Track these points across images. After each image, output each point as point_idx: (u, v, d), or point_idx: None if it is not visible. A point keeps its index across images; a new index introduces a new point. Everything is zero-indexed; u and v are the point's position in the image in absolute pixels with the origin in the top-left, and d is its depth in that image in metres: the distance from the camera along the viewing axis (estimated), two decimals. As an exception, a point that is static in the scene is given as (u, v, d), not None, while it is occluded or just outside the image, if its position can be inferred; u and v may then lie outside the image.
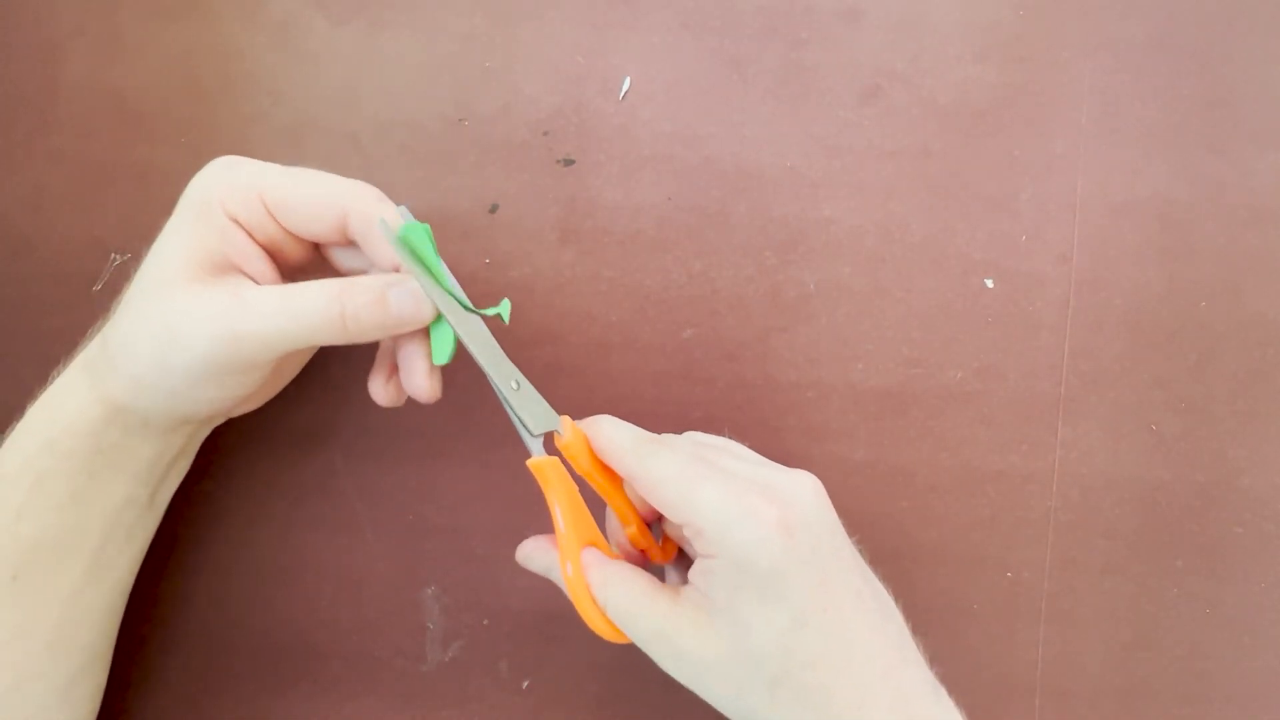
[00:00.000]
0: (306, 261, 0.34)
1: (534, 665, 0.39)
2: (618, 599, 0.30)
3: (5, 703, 0.31)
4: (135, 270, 0.31)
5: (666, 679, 0.39)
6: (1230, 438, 0.40)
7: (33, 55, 0.40)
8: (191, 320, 0.29)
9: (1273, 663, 0.40)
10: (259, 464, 0.39)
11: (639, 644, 0.30)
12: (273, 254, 0.32)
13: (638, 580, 0.30)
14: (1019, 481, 0.40)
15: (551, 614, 0.39)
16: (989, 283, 0.40)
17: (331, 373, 0.39)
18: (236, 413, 0.36)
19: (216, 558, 0.39)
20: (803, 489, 0.30)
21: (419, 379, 0.32)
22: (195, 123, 0.40)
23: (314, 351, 0.38)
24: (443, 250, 0.32)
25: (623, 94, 0.40)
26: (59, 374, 0.33)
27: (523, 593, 0.39)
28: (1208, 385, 0.40)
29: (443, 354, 0.32)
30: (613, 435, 0.31)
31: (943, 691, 0.31)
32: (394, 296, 0.30)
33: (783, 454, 0.40)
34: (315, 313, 0.29)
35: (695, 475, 0.29)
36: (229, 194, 0.30)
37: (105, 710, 0.36)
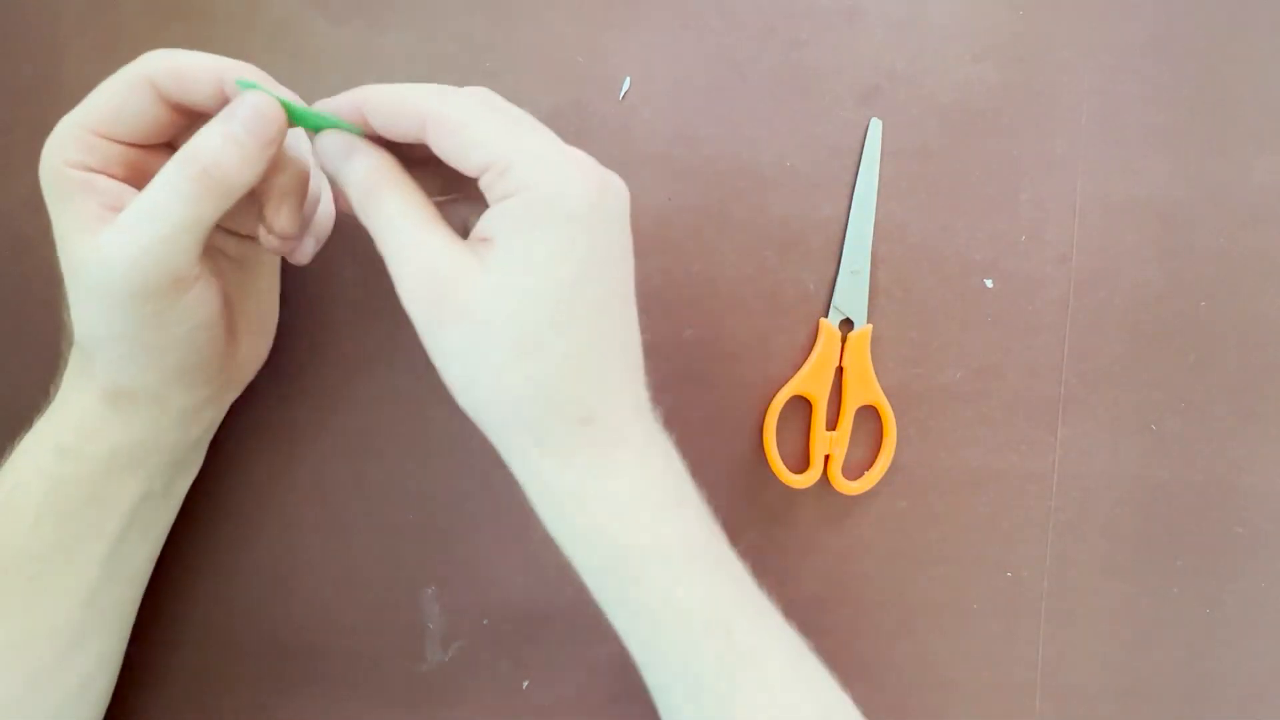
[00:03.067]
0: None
1: (534, 665, 0.39)
2: (394, 202, 0.27)
3: (23, 703, 0.31)
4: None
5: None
6: (1230, 438, 0.40)
7: (33, 55, 0.40)
8: (106, 269, 0.27)
9: (1273, 663, 0.40)
10: (259, 464, 0.39)
11: (393, 264, 0.27)
12: (141, 181, 0.29)
13: (422, 197, 0.28)
14: (1019, 481, 0.40)
15: (551, 614, 0.39)
16: (989, 283, 0.40)
17: (331, 372, 0.39)
18: (238, 379, 0.35)
19: (216, 558, 0.39)
20: (617, 178, 0.28)
21: (284, 215, 0.30)
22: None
23: (275, 284, 0.36)
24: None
25: (623, 94, 0.40)
26: (55, 382, 0.33)
27: (523, 593, 0.39)
28: (1208, 385, 0.40)
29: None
30: (396, 88, 0.28)
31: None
32: (239, 122, 0.27)
33: (783, 454, 0.40)
34: (180, 188, 0.27)
35: (513, 124, 0.27)
36: (65, 149, 0.28)
37: (106, 710, 0.36)
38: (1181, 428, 0.40)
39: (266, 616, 0.39)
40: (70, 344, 0.33)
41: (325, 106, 0.29)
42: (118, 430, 0.31)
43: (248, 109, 0.28)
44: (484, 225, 0.27)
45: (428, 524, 0.40)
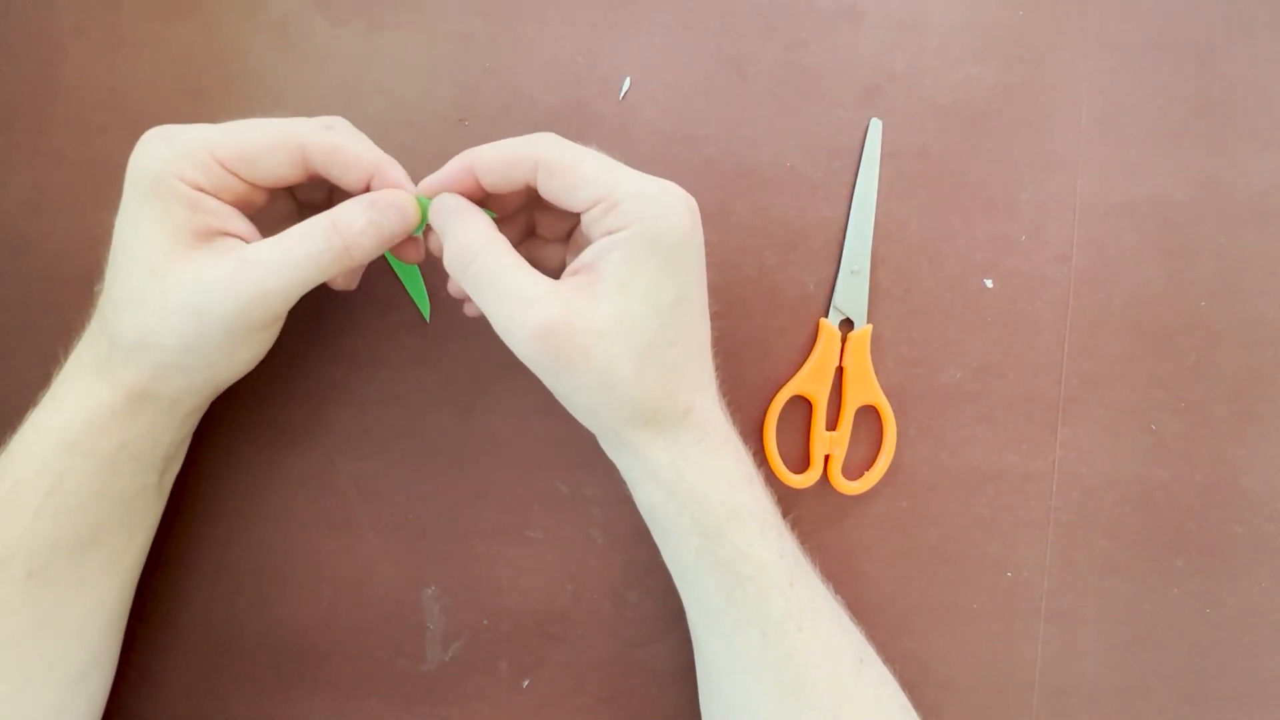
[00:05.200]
0: (267, 206, 0.34)
1: (534, 665, 0.39)
2: (503, 259, 0.31)
3: (21, 698, 0.32)
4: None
5: (667, 678, 0.39)
6: (1230, 438, 0.40)
7: (33, 55, 0.40)
8: (212, 295, 0.30)
9: (1273, 663, 0.40)
10: (259, 464, 0.39)
11: (492, 312, 0.31)
12: (240, 209, 0.32)
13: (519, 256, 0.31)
14: (1019, 481, 0.40)
15: (551, 614, 0.39)
16: (989, 283, 0.40)
17: (331, 372, 0.39)
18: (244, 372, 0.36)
19: (216, 558, 0.39)
20: (692, 199, 0.32)
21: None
22: (195, 123, 0.40)
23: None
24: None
25: (623, 94, 0.40)
26: (57, 374, 0.33)
27: (523, 593, 0.39)
28: (1208, 385, 0.40)
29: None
30: (501, 143, 0.31)
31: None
32: (382, 214, 0.31)
33: (783, 454, 0.40)
34: (320, 253, 0.30)
35: (611, 163, 0.31)
36: (182, 165, 0.30)
37: (105, 710, 0.36)
38: (1181, 428, 0.40)
39: (266, 617, 0.39)
40: (79, 340, 0.33)
41: (437, 180, 0.32)
42: (129, 428, 0.32)
43: (394, 209, 0.32)
44: (593, 254, 0.30)
45: (428, 524, 0.40)
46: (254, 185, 0.32)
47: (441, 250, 0.32)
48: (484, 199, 0.33)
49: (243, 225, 0.32)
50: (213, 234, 0.31)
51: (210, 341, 0.31)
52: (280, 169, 0.31)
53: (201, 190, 0.30)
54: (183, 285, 0.30)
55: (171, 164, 0.30)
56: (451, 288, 0.35)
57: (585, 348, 0.29)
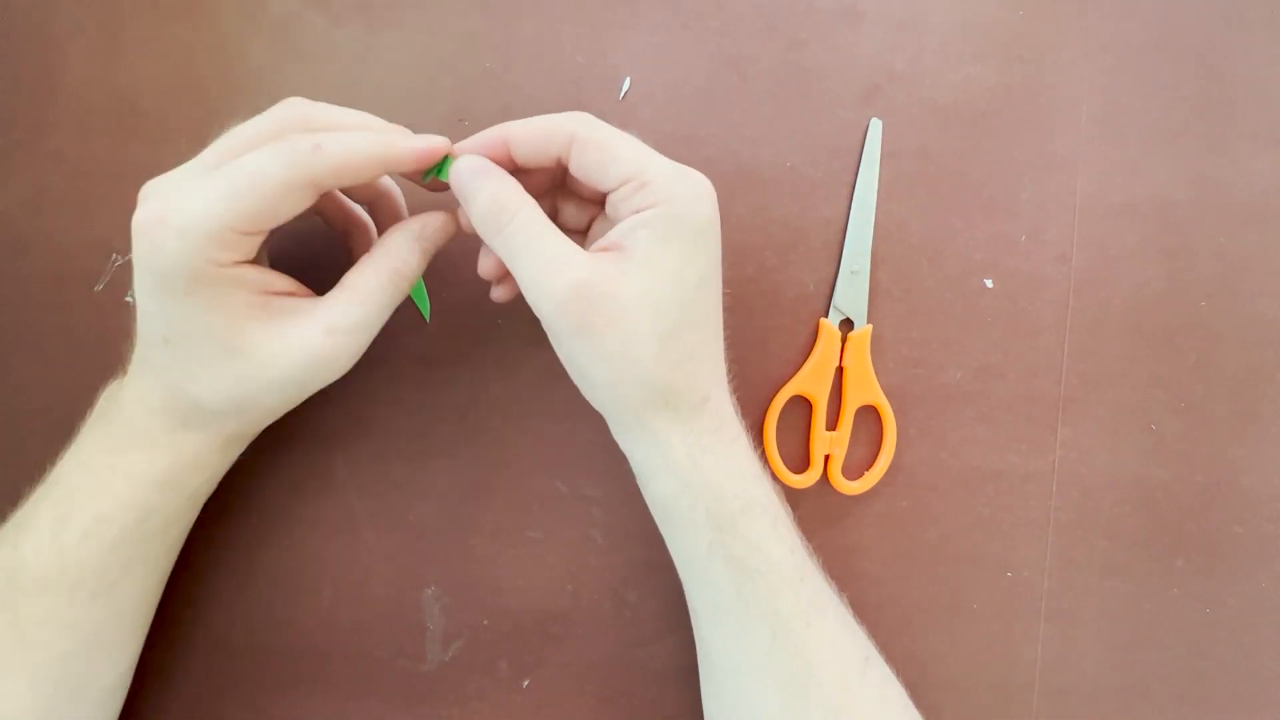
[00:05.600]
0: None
1: (534, 665, 0.39)
2: (533, 220, 0.31)
3: (68, 707, 0.32)
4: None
5: (667, 678, 0.39)
6: (1230, 438, 0.40)
7: (33, 55, 0.40)
8: (311, 370, 0.31)
9: (1273, 663, 0.40)
10: (259, 464, 0.39)
11: (532, 289, 0.30)
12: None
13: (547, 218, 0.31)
14: (1019, 481, 0.40)
15: (551, 614, 0.39)
16: (989, 283, 0.40)
17: (331, 373, 0.39)
18: None
19: (217, 558, 0.39)
20: (712, 187, 0.32)
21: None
22: (195, 123, 0.40)
23: None
24: (447, 251, 0.33)
25: (623, 94, 0.40)
26: (118, 412, 0.32)
27: (523, 593, 0.39)
28: (1208, 385, 0.40)
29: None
30: (537, 119, 0.31)
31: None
32: (432, 241, 0.33)
33: (783, 454, 0.40)
34: (392, 301, 0.32)
35: (642, 146, 0.31)
36: (210, 251, 0.28)
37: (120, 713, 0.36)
38: (1181, 428, 0.40)
39: (267, 617, 0.39)
40: (126, 377, 0.33)
41: (470, 144, 0.32)
42: (221, 464, 0.34)
43: (437, 230, 0.33)
44: (619, 233, 0.30)
45: (428, 524, 0.40)
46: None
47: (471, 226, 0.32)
48: (512, 174, 0.32)
49: (283, 282, 0.32)
50: (267, 297, 0.31)
51: (301, 395, 0.32)
52: (298, 208, 0.30)
53: (239, 264, 0.30)
54: (277, 361, 0.30)
55: (200, 254, 0.28)
56: (482, 267, 0.34)
57: (612, 315, 0.29)
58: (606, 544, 0.40)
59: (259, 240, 0.30)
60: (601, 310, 0.29)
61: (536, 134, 0.31)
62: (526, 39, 0.40)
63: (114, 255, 0.39)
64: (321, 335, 0.30)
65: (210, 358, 0.30)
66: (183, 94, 0.40)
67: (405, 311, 0.39)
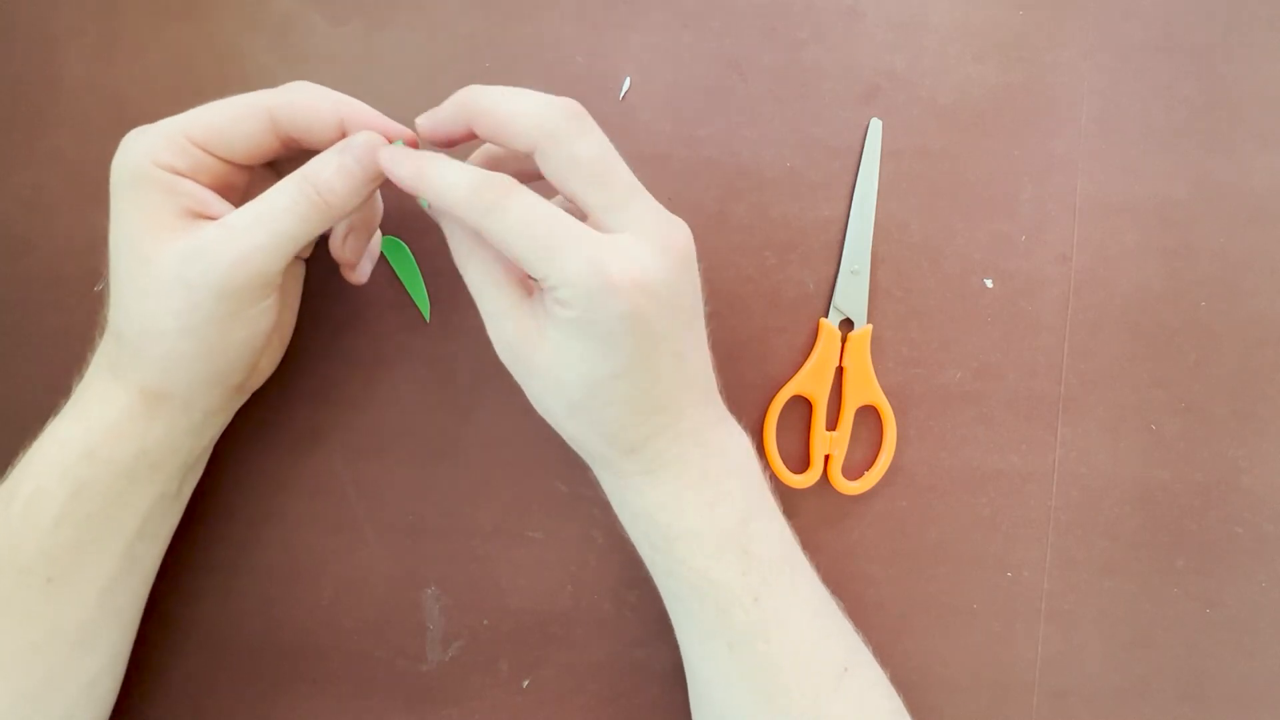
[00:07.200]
0: (250, 187, 0.33)
1: (534, 665, 0.39)
2: (479, 272, 0.31)
3: (38, 702, 0.32)
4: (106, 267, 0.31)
5: (667, 678, 0.39)
6: (1230, 438, 0.40)
7: (33, 55, 0.40)
8: (197, 264, 0.29)
9: (1273, 663, 0.40)
10: (259, 464, 0.39)
11: (476, 295, 0.31)
12: (220, 192, 0.32)
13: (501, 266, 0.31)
14: (1019, 481, 0.40)
15: (551, 614, 0.39)
16: (989, 283, 0.40)
17: (331, 373, 0.39)
18: (251, 386, 0.36)
19: (217, 558, 0.39)
20: (673, 239, 0.30)
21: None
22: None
23: (299, 297, 0.37)
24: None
25: (623, 94, 0.40)
26: (78, 384, 0.33)
27: (523, 593, 0.39)
28: (1207, 385, 0.40)
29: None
30: (447, 178, 0.29)
31: (733, 423, 0.34)
32: (351, 154, 0.31)
33: (783, 454, 0.40)
34: (294, 204, 0.30)
35: (556, 233, 0.28)
36: (156, 151, 0.30)
37: (112, 709, 0.36)
38: (1181, 428, 0.40)
39: (267, 617, 0.39)
40: (95, 348, 0.33)
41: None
42: (147, 433, 0.32)
43: (363, 148, 0.31)
44: (547, 301, 0.29)
45: (428, 524, 0.40)
46: (231, 163, 0.32)
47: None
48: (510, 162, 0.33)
49: (223, 207, 0.31)
50: (194, 217, 0.31)
51: (204, 315, 0.30)
52: (253, 138, 0.31)
53: (179, 173, 0.30)
54: (170, 262, 0.29)
55: (146, 152, 0.30)
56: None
57: (531, 370, 0.31)
58: (606, 544, 0.40)
59: (214, 163, 0.31)
60: (526, 362, 0.31)
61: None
62: (526, 39, 0.40)
63: (114, 255, 0.39)
64: (211, 231, 0.30)
65: (127, 268, 0.30)
66: (183, 94, 0.40)
67: (406, 311, 0.39)
